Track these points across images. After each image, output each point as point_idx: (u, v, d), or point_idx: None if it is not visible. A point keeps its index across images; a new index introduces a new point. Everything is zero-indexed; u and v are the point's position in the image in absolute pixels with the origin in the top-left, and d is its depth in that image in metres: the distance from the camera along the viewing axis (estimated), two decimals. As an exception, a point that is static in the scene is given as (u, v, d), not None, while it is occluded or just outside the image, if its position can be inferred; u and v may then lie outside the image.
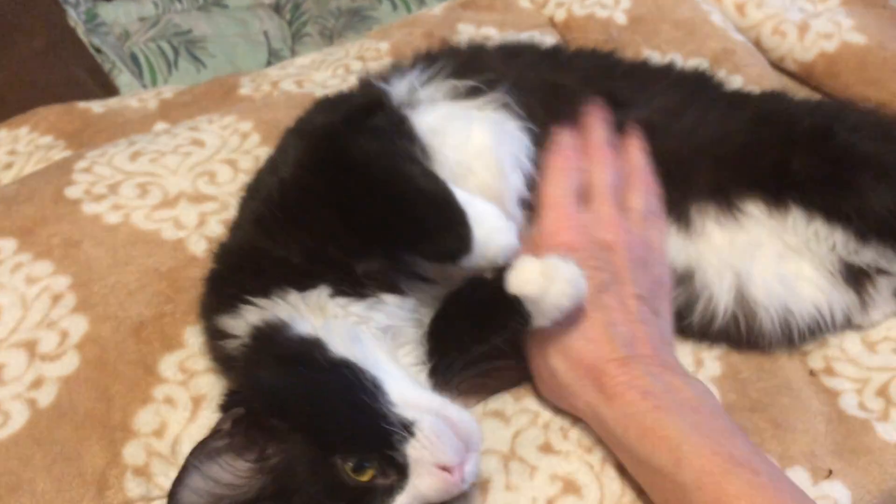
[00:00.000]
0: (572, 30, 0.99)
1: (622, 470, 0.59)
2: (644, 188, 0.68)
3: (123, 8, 1.47)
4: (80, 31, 1.27)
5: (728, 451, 0.51)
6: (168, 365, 0.64)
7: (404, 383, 0.55)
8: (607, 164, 0.68)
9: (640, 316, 0.60)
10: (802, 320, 0.68)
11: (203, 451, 0.51)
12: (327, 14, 1.48)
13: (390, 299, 0.60)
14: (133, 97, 1.00)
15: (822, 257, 0.68)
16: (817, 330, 0.69)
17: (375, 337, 0.59)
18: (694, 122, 0.71)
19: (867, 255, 0.68)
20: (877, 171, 0.67)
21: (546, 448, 0.61)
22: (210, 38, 1.42)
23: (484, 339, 0.58)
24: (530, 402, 0.64)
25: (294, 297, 0.58)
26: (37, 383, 0.62)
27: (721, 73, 0.87)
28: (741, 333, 0.68)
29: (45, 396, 0.61)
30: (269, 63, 1.40)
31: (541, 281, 0.56)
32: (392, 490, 0.52)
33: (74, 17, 1.28)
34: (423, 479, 0.52)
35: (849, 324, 0.70)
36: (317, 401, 0.53)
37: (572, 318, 0.58)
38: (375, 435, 0.52)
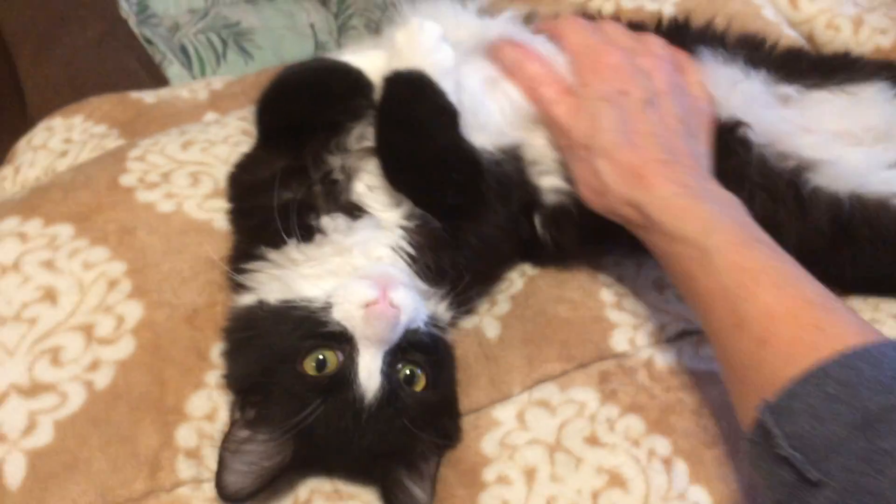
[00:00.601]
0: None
1: (668, 463, 0.59)
2: (660, 42, 0.72)
3: (173, 0, 1.50)
4: (132, 22, 1.29)
5: (751, 233, 0.57)
6: (220, 351, 0.65)
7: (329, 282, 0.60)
8: (620, 26, 0.73)
9: (680, 133, 0.65)
10: None
11: (230, 442, 0.55)
12: (373, 7, 1.49)
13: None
14: (184, 88, 1.01)
15: None
16: None
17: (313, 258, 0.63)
18: None
19: None
20: None
21: (592, 440, 0.61)
22: (258, 31, 1.44)
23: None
24: (576, 393, 0.64)
25: (261, 264, 0.64)
26: (94, 366, 0.64)
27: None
28: None
29: (102, 378, 0.63)
30: (315, 55, 1.42)
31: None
32: (353, 357, 0.56)
33: (126, 9, 1.31)
34: (361, 326, 0.56)
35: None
36: (263, 352, 0.58)
37: (620, 129, 0.63)
38: (310, 332, 0.57)
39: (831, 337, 0.48)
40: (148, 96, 0.99)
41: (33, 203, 0.76)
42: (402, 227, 0.64)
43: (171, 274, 0.70)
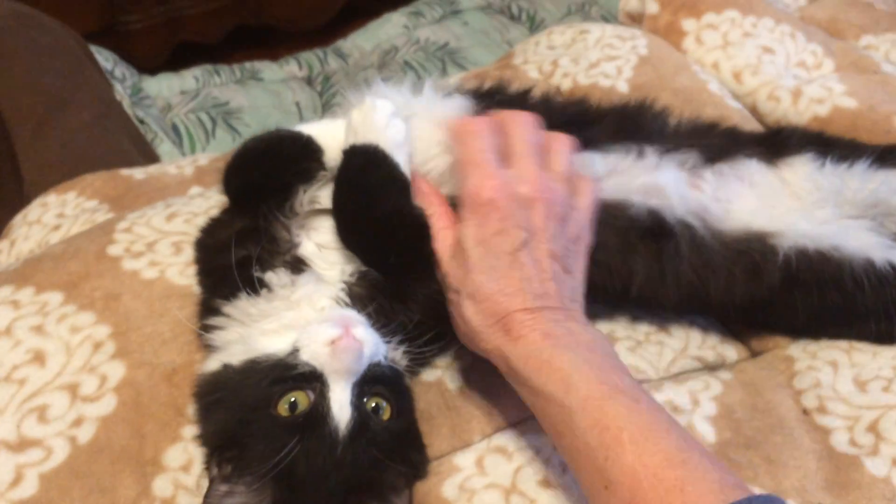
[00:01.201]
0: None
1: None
2: (565, 149, 0.70)
3: (167, 82, 1.58)
4: (126, 104, 1.37)
5: (613, 381, 0.57)
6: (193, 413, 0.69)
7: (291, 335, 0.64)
8: (525, 124, 0.70)
9: (553, 274, 0.64)
10: None
11: (211, 497, 0.58)
12: (355, 86, 1.57)
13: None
14: (172, 164, 1.08)
15: None
16: None
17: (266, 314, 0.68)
18: None
19: None
20: None
21: (545, 483, 0.65)
22: (246, 109, 1.52)
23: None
24: (532, 439, 0.68)
25: (222, 320, 0.69)
26: (77, 422, 0.68)
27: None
28: None
29: (85, 434, 0.67)
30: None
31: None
32: (324, 393, 0.60)
33: (121, 91, 1.39)
34: (329, 362, 0.61)
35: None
36: (234, 407, 0.62)
37: (490, 275, 0.63)
38: (280, 378, 0.61)
39: (693, 498, 0.49)
40: (137, 173, 1.05)
41: (26, 273, 0.81)
42: (345, 282, 0.69)
43: (153, 336, 0.75)
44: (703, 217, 0.74)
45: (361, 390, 0.61)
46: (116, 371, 0.72)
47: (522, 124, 0.70)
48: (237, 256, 0.69)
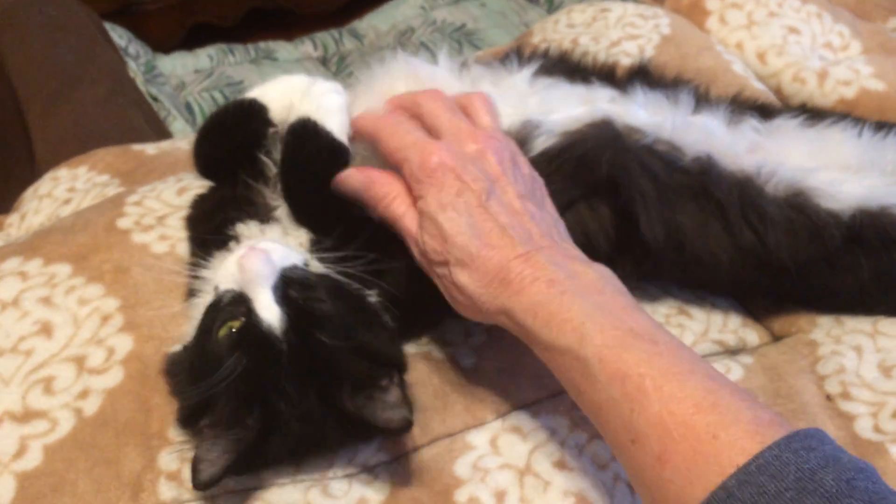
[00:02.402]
0: (598, 76, 1.03)
1: (633, 487, 0.60)
2: (486, 104, 0.68)
3: (181, 61, 1.57)
4: (139, 81, 1.35)
5: (628, 325, 0.53)
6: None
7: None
8: (435, 96, 0.67)
9: (530, 214, 0.61)
10: None
11: (200, 452, 0.57)
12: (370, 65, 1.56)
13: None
14: (184, 140, 1.06)
15: None
16: None
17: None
18: None
19: None
20: None
21: (561, 464, 0.63)
22: (259, 90, 1.50)
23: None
24: (547, 420, 0.66)
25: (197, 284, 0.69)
26: (84, 394, 0.66)
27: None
28: None
29: (91, 406, 0.66)
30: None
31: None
32: (249, 307, 0.60)
33: (134, 69, 1.38)
34: (240, 278, 0.61)
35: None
36: (192, 371, 0.62)
37: (470, 234, 0.59)
38: (213, 319, 0.61)
39: (728, 445, 0.46)
40: (149, 148, 1.04)
41: (35, 244, 0.80)
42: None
43: (162, 310, 0.73)
44: (754, 169, 0.71)
45: (286, 292, 0.60)
46: (124, 344, 0.70)
47: (433, 98, 0.67)
48: (216, 221, 0.70)
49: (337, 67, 1.61)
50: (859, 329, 0.75)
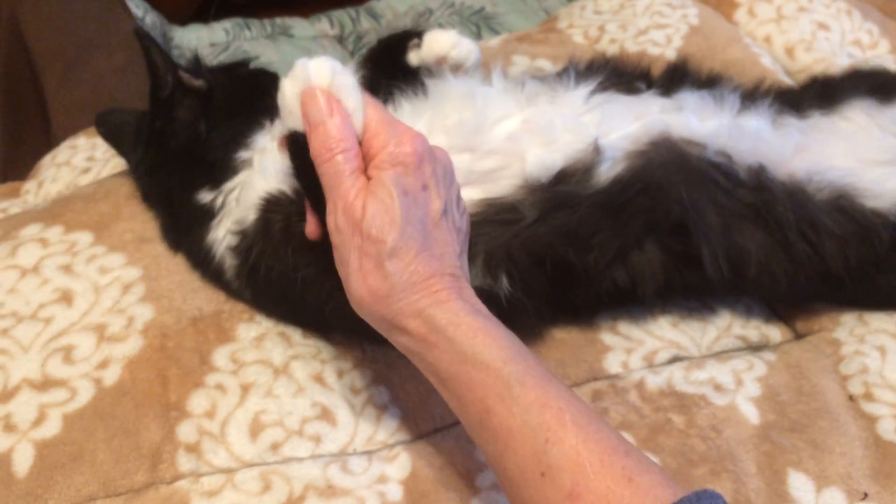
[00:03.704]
0: (625, 64, 1.02)
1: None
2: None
3: (196, 33, 1.55)
4: (156, 52, 1.34)
5: (544, 366, 0.53)
6: (221, 355, 0.68)
7: None
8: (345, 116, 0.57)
9: (460, 251, 0.59)
10: None
11: None
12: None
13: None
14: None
15: None
16: None
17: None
18: None
19: None
20: None
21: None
22: (275, 65, 1.48)
23: None
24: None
25: None
26: (103, 364, 0.66)
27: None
28: None
29: (111, 376, 0.65)
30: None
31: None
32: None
33: (152, 40, 1.36)
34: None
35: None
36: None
37: (419, 230, 0.56)
38: None
39: (643, 490, 0.45)
40: (168, 119, 1.03)
41: (55, 212, 0.80)
42: None
43: (184, 283, 0.73)
44: (805, 175, 0.70)
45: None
46: (145, 313, 0.70)
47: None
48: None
49: (353, 47, 1.59)
50: (883, 329, 0.74)
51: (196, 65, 0.77)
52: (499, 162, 0.68)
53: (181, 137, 0.73)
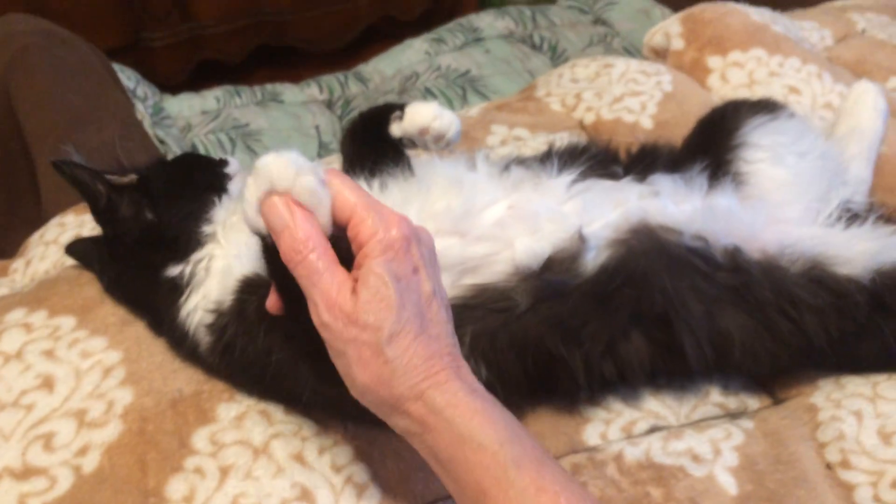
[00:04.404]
0: (601, 132, 1.04)
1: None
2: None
3: (188, 102, 1.58)
4: (147, 123, 1.37)
5: (541, 449, 0.54)
6: (200, 437, 0.69)
7: None
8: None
9: (451, 329, 0.58)
10: None
11: None
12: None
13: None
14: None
15: None
16: None
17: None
18: None
19: None
20: None
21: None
22: (265, 131, 1.52)
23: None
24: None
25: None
26: (83, 450, 0.67)
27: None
28: None
29: (90, 463, 0.66)
30: (319, 155, 1.49)
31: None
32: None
33: (142, 111, 1.39)
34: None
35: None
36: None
37: (414, 313, 0.56)
38: None
39: None
40: (156, 194, 1.04)
41: (41, 295, 0.81)
42: None
43: (164, 364, 0.74)
44: (777, 249, 0.72)
45: None
46: (124, 397, 0.71)
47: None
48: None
49: (342, 111, 1.62)
50: (859, 392, 0.75)
51: (117, 164, 0.79)
52: (489, 248, 0.69)
53: (134, 231, 0.74)
